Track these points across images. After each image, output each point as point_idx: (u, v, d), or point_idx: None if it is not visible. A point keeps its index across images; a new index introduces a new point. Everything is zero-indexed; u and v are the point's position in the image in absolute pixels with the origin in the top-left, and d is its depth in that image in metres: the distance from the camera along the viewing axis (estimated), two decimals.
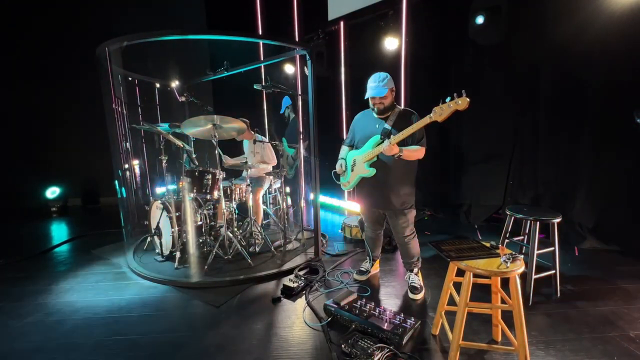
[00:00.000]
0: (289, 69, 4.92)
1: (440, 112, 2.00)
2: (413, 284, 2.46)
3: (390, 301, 2.38)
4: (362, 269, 2.74)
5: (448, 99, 1.97)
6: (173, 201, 3.05)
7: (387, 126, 2.31)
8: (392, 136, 2.20)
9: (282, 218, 3.34)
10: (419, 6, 3.75)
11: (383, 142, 2.25)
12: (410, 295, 2.42)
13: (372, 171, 2.36)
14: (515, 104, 3.44)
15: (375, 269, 2.82)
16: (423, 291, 2.44)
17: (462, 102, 1.92)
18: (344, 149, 2.62)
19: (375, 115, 2.38)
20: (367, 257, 2.77)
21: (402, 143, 2.23)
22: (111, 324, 2.16)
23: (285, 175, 3.41)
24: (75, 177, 5.54)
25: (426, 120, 2.07)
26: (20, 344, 1.97)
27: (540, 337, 1.90)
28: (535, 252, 2.24)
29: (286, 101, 4.20)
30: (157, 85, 4.25)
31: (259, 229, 3.30)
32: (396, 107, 2.37)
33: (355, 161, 2.47)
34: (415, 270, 2.53)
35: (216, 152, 2.93)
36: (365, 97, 2.35)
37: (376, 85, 2.27)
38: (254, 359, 1.80)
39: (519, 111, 3.43)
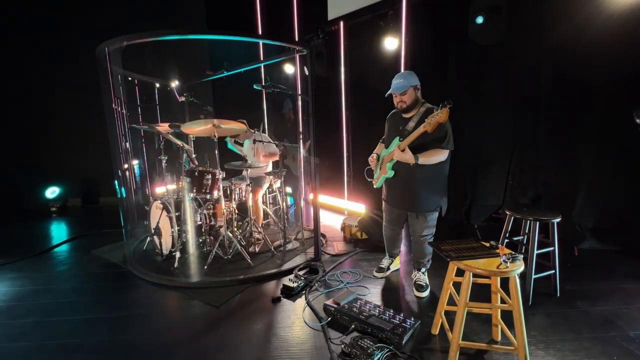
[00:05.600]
0: (288, 69, 4.92)
1: (429, 123, 2.00)
2: (419, 282, 2.45)
3: (390, 301, 2.38)
4: (381, 265, 2.75)
5: (440, 106, 1.96)
6: (173, 201, 3.05)
7: (407, 128, 2.26)
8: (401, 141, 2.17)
9: (282, 218, 3.35)
10: (419, 6, 3.74)
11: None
12: (416, 293, 2.41)
13: (391, 173, 2.38)
14: (515, 104, 3.43)
15: (396, 265, 2.83)
16: (429, 290, 2.44)
17: (442, 114, 1.92)
18: (379, 146, 2.63)
19: (403, 115, 2.35)
20: (386, 254, 2.79)
21: (422, 146, 2.18)
22: (111, 323, 2.16)
23: (293, 173, 3.41)
24: (75, 177, 5.53)
25: (420, 130, 2.08)
26: (21, 344, 1.97)
27: (540, 337, 1.91)
28: (535, 252, 2.24)
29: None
30: (157, 85, 4.25)
31: (259, 229, 3.31)
32: (422, 106, 2.28)
33: (382, 160, 2.48)
34: (424, 269, 2.53)
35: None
36: (386, 94, 2.34)
37: (397, 81, 2.26)
38: (254, 359, 1.80)
39: (519, 110, 3.42)
